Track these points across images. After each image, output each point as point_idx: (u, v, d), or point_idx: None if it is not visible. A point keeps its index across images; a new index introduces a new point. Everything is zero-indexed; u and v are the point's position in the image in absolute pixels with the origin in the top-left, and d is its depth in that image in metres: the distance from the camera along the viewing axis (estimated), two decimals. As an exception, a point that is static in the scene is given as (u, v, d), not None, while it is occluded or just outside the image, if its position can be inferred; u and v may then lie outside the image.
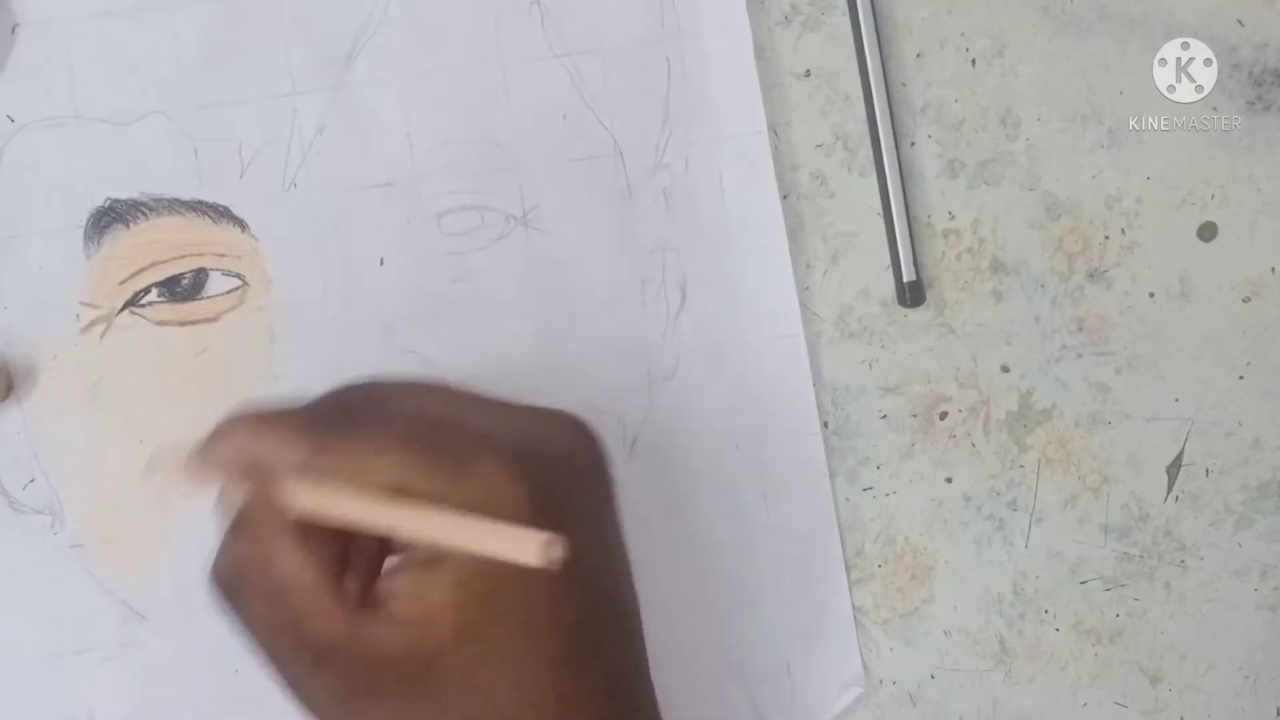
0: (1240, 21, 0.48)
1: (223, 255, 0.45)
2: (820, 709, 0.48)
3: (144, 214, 0.45)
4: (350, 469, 0.33)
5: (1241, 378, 0.49)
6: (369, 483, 0.33)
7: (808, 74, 0.48)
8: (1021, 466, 0.48)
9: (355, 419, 0.34)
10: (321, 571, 0.34)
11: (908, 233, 0.47)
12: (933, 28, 0.48)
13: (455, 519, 0.32)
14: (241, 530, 0.35)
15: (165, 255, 0.45)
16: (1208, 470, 0.49)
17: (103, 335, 0.45)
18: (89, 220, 0.45)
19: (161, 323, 0.45)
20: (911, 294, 0.47)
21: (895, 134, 0.47)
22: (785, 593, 0.48)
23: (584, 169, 0.46)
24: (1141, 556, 0.49)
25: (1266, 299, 0.48)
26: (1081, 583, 0.49)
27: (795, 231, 0.48)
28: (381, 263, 0.46)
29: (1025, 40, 0.48)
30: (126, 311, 0.45)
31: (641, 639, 0.37)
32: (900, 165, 0.47)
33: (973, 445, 0.48)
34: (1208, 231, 0.48)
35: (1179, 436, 0.49)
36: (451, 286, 0.46)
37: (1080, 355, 0.48)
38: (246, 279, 0.45)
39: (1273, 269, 0.48)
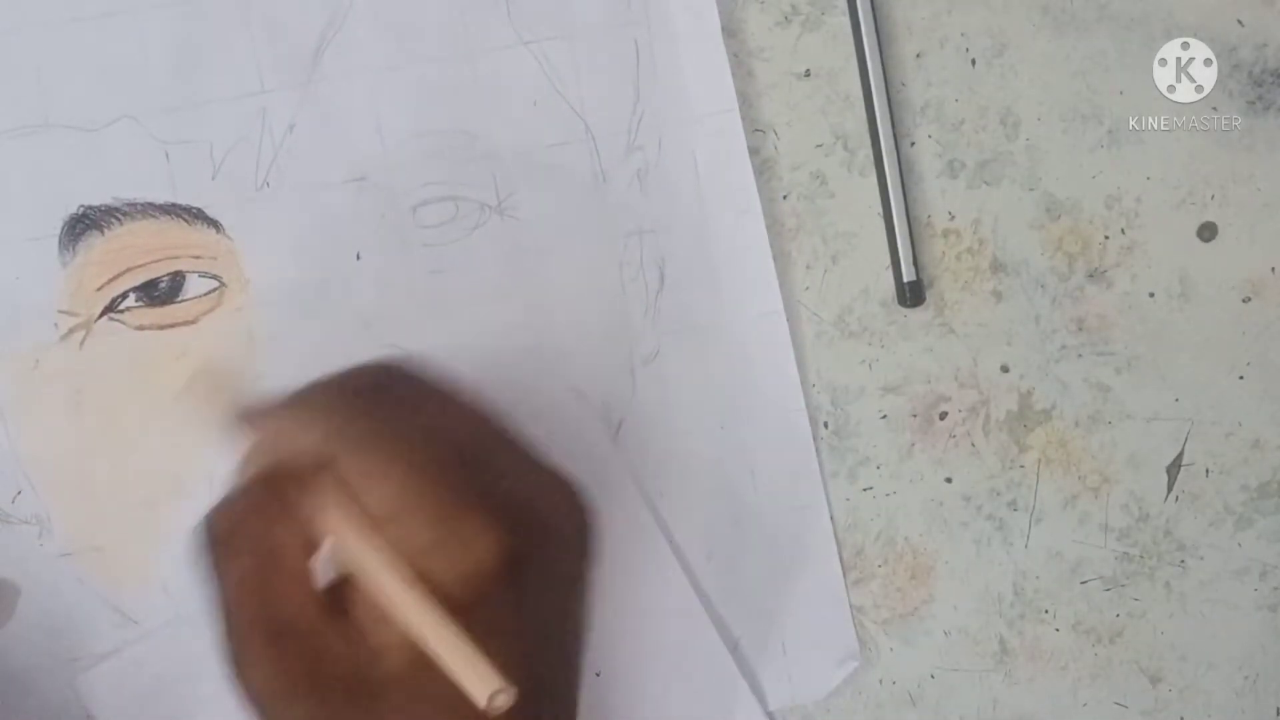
0: (1240, 21, 0.48)
1: (199, 257, 0.45)
2: (817, 685, 0.48)
3: (118, 219, 0.45)
4: (357, 480, 0.34)
5: (1241, 378, 0.49)
6: (370, 500, 0.33)
7: (808, 74, 0.48)
8: (1021, 466, 0.48)
9: (376, 424, 0.34)
10: (310, 564, 0.34)
11: (908, 233, 0.47)
12: (933, 28, 0.48)
13: (437, 622, 0.32)
14: (254, 487, 0.35)
15: (141, 260, 0.45)
16: (1208, 470, 0.49)
17: (82, 342, 0.45)
18: (63, 228, 0.45)
19: (140, 327, 0.45)
20: (911, 294, 0.47)
21: (895, 134, 0.47)
22: (777, 570, 0.48)
23: (557, 155, 0.46)
24: (1141, 556, 0.49)
25: (1266, 299, 0.48)
26: (1081, 583, 0.49)
27: (795, 231, 0.48)
28: (358, 257, 0.46)
29: (1025, 40, 0.48)
30: (105, 318, 0.45)
31: (573, 691, 0.37)
32: (900, 165, 0.47)
33: (973, 445, 0.48)
34: (1208, 231, 0.48)
35: (1179, 436, 0.49)
36: (430, 278, 0.46)
37: (1080, 355, 0.48)
38: (224, 280, 0.45)
39: (1273, 269, 0.48)
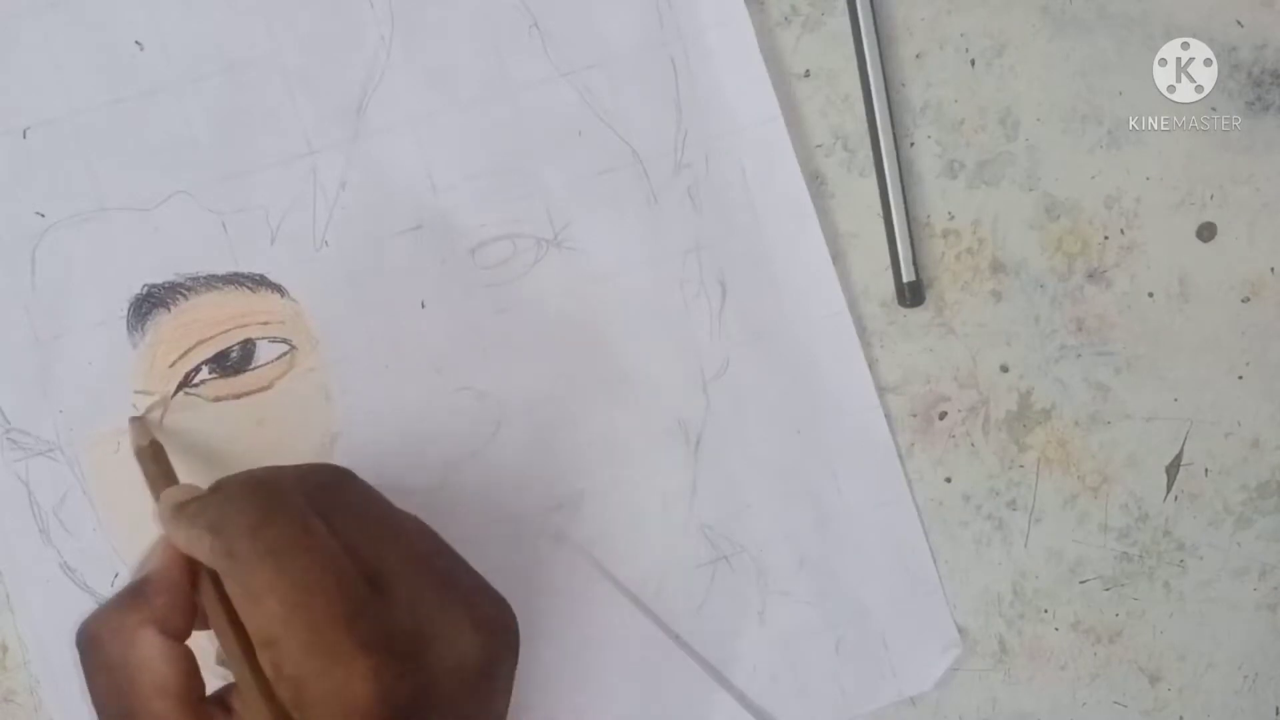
0: (1240, 22, 0.48)
1: (266, 323, 0.45)
2: (921, 675, 0.48)
3: (183, 295, 0.45)
4: (240, 598, 0.33)
5: (1241, 378, 0.49)
6: (251, 619, 0.32)
7: (808, 74, 0.48)
8: (1021, 466, 0.49)
9: (268, 539, 0.33)
10: (178, 668, 0.33)
11: (907, 233, 0.47)
12: (932, 28, 0.48)
13: None
14: (125, 599, 0.35)
15: (210, 332, 0.45)
16: (1207, 470, 0.49)
17: (161, 419, 0.45)
18: (130, 309, 0.45)
19: (217, 399, 0.45)
20: (911, 294, 0.47)
21: (895, 134, 0.47)
22: (869, 567, 0.48)
23: (607, 182, 0.46)
24: (1141, 556, 0.49)
25: (1266, 299, 0.48)
26: (1081, 582, 0.49)
27: (795, 232, 0.48)
28: (423, 305, 0.46)
29: (1025, 40, 0.48)
30: (181, 393, 0.45)
31: None
32: (900, 165, 0.47)
33: (972, 445, 0.48)
34: (1207, 231, 0.48)
35: (1178, 436, 0.49)
36: (495, 318, 0.46)
37: (1080, 355, 0.48)
38: (293, 343, 0.45)
39: (1272, 269, 0.48)
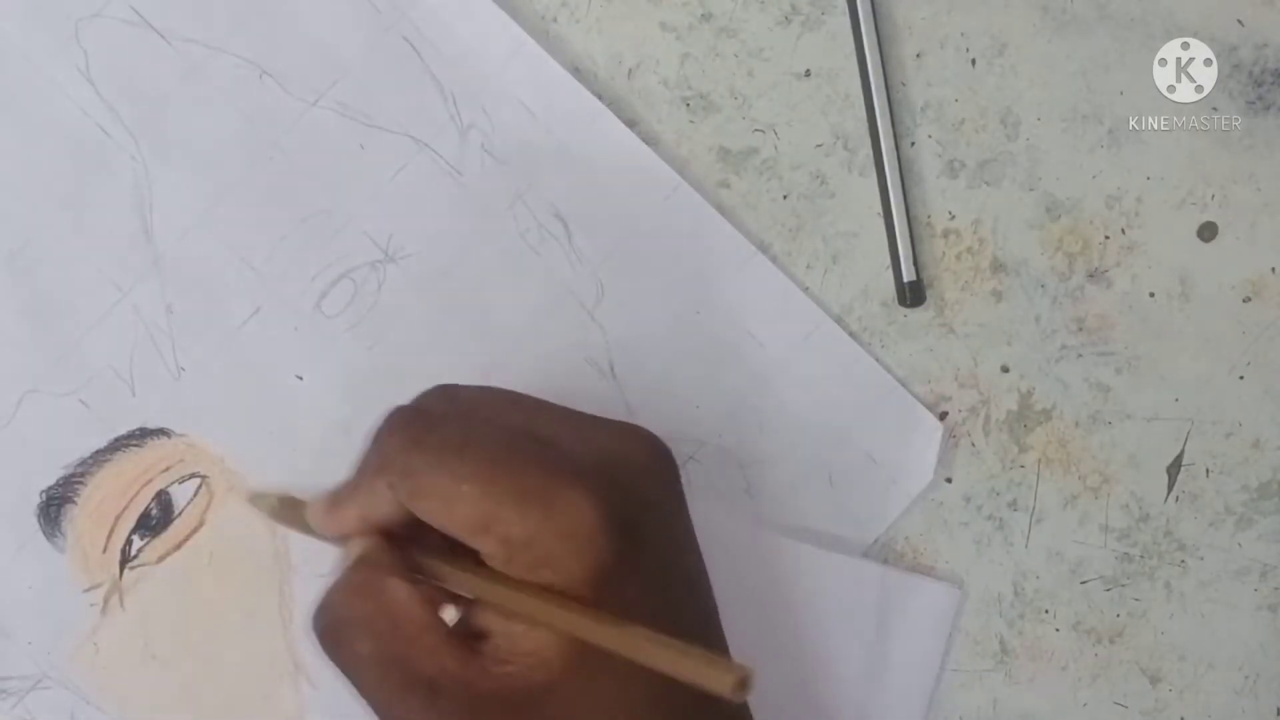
0: (1240, 21, 0.48)
1: (168, 469, 0.45)
2: (919, 469, 0.48)
3: (80, 482, 0.45)
4: (440, 513, 0.34)
5: (1241, 378, 0.49)
6: (458, 522, 0.34)
7: (808, 74, 0.48)
8: (1021, 466, 0.48)
9: (430, 451, 0.35)
10: (429, 608, 0.35)
11: (908, 233, 0.47)
12: (933, 27, 0.48)
13: (650, 641, 0.32)
14: (352, 571, 0.36)
15: (122, 503, 0.45)
16: (1208, 470, 0.49)
17: (122, 603, 0.45)
18: (39, 519, 0.45)
19: (161, 559, 0.45)
20: (911, 294, 0.47)
21: (895, 134, 0.47)
22: (823, 397, 0.47)
23: (406, 179, 0.46)
24: (1141, 556, 0.49)
25: (1266, 299, 0.48)
26: (1082, 583, 0.49)
27: (795, 231, 0.48)
28: (300, 378, 0.46)
29: (1025, 40, 0.48)
30: (126, 571, 0.45)
31: (719, 626, 0.38)
32: (900, 165, 0.47)
33: (973, 445, 0.48)
34: (1208, 231, 0.48)
35: (1179, 436, 0.49)
36: (371, 355, 0.46)
37: (1080, 355, 0.48)
38: (202, 472, 0.45)
39: (1273, 269, 0.48)
